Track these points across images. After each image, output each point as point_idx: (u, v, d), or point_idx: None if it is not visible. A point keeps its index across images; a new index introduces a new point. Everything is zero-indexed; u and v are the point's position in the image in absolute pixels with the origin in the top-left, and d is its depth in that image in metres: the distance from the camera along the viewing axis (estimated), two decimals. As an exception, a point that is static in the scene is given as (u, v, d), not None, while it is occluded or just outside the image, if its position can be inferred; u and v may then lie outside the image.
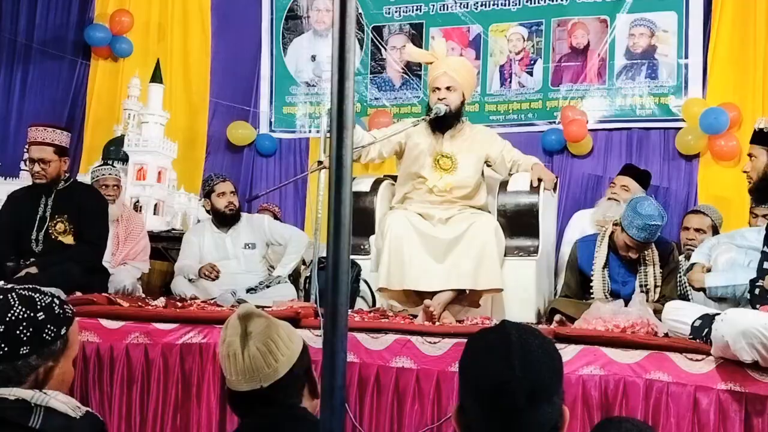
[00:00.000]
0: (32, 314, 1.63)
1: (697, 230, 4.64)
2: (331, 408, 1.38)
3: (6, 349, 1.60)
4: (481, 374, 1.40)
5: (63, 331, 1.67)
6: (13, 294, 1.65)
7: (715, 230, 4.63)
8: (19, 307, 1.63)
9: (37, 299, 1.66)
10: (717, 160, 6.15)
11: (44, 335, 1.63)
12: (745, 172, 3.27)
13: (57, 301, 1.69)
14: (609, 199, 4.82)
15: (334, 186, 1.41)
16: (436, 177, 4.15)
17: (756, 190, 3.25)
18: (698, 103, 6.18)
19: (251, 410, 1.90)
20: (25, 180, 5.75)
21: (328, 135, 5.58)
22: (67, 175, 4.48)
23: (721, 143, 6.05)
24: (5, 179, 6.27)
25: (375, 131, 4.43)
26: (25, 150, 6.40)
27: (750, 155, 3.24)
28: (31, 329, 1.62)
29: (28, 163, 4.47)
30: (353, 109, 1.44)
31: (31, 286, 1.71)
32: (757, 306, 3.15)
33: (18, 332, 1.60)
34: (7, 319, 1.61)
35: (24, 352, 1.61)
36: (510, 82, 6.81)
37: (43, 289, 1.72)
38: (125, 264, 5.10)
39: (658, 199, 5.94)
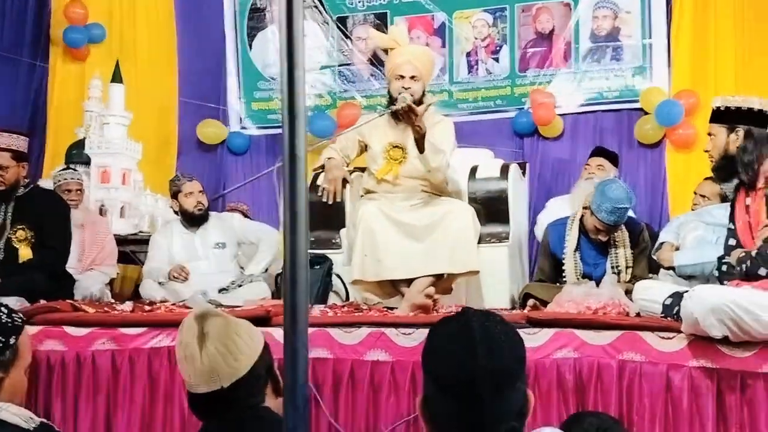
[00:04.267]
0: None
1: (703, 196, 4.63)
2: (294, 406, 1.35)
3: None
4: (444, 364, 1.38)
5: (12, 341, 1.62)
6: None
7: (724, 199, 4.53)
8: None
9: None
10: (677, 148, 6.19)
11: None
12: (706, 151, 3.28)
13: (4, 311, 1.64)
14: (587, 179, 4.79)
15: (288, 178, 1.37)
16: (386, 168, 4.11)
17: (718, 169, 3.27)
18: (656, 93, 6.21)
19: (213, 412, 1.86)
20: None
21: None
22: (26, 181, 4.38)
23: (680, 132, 6.12)
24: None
25: (338, 140, 4.42)
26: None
27: (710, 134, 3.25)
28: None
29: None
30: (305, 99, 1.40)
31: None
32: (725, 282, 3.16)
33: None
34: None
35: None
36: (477, 69, 6.79)
37: (-11, 299, 1.66)
38: (92, 269, 5.02)
39: (628, 181, 5.98)
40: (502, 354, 1.38)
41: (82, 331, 3.44)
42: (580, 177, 5.01)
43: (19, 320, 1.66)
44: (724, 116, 3.19)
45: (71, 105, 7.20)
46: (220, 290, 4.64)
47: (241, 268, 5.07)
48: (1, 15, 7.40)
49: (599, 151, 5.13)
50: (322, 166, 4.31)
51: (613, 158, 5.08)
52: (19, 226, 4.19)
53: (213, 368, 1.83)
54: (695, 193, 4.73)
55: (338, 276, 4.21)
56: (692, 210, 4.61)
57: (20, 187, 4.26)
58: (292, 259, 1.36)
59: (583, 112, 6.54)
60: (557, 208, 5.17)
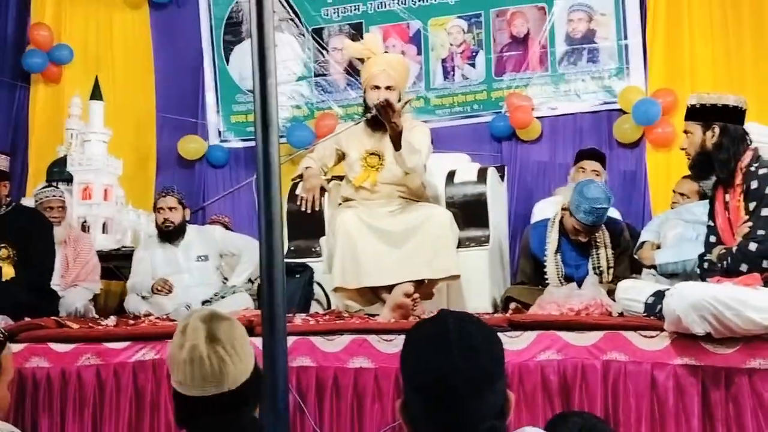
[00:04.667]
0: None
1: (682, 194, 4.64)
2: (275, 412, 1.35)
3: None
4: (421, 367, 1.38)
5: (-7, 357, 1.62)
6: None
7: (703, 196, 4.51)
8: None
9: None
10: (656, 147, 6.23)
11: None
12: (683, 149, 3.31)
13: (-15, 327, 1.63)
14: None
15: (262, 184, 1.39)
16: (363, 175, 4.12)
17: (695, 167, 3.29)
18: (634, 92, 6.26)
19: (207, 416, 1.84)
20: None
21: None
22: (8, 199, 4.38)
23: (658, 131, 6.16)
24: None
25: (315, 150, 4.43)
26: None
27: (686, 132, 3.27)
28: None
29: None
30: (277, 106, 1.42)
31: None
32: (707, 279, 3.19)
33: None
34: None
35: None
36: (453, 75, 6.82)
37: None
38: (76, 285, 5.00)
39: (608, 182, 6.01)
40: (479, 354, 1.38)
41: (66, 347, 3.45)
42: (570, 179, 4.92)
43: (1, 336, 1.66)
44: (699, 113, 3.21)
45: (52, 124, 7.22)
46: (204, 302, 4.62)
47: (224, 279, 5.06)
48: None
49: (592, 155, 4.98)
50: (300, 176, 4.31)
51: (604, 160, 5.01)
52: (1, 245, 4.18)
53: (222, 370, 1.82)
54: (674, 191, 4.76)
55: (319, 284, 4.21)
56: (672, 208, 4.63)
57: (2, 205, 4.25)
58: (269, 265, 1.37)
59: (561, 115, 6.57)
60: (540, 210, 5.13)
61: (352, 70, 6.87)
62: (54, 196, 5.22)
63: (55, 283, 4.68)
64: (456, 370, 1.34)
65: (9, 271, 4.14)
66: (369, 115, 4.09)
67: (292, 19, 7.15)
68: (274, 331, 1.40)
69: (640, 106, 6.12)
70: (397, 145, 3.89)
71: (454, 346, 1.37)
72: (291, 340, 3.29)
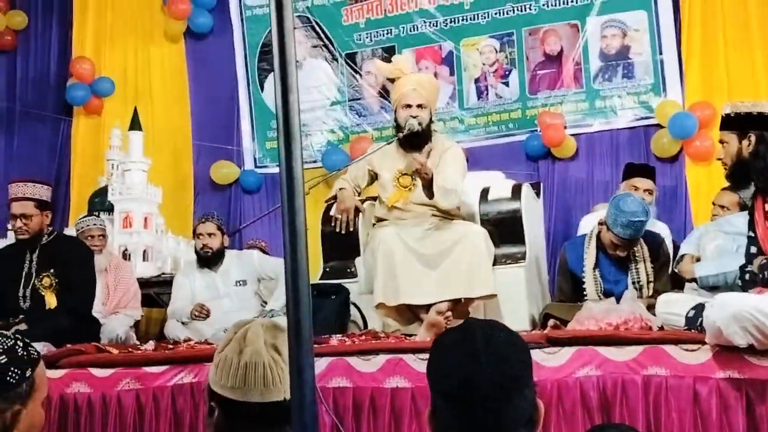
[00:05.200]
0: None
1: (722, 207, 4.55)
2: (303, 425, 1.34)
3: None
4: (448, 372, 1.37)
5: (28, 373, 1.64)
6: None
7: (744, 208, 4.40)
8: None
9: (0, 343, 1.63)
10: (695, 161, 6.14)
11: (8, 378, 1.61)
12: (719, 159, 3.26)
13: (20, 344, 1.66)
14: None
15: (286, 198, 1.38)
16: (396, 195, 4.13)
17: (732, 176, 3.23)
18: (671, 105, 6.20)
19: (258, 426, 1.82)
20: (11, 240, 5.72)
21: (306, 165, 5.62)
22: (50, 229, 4.46)
23: (696, 144, 6.07)
24: (-8, 240, 6.27)
25: (348, 171, 4.46)
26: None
27: (722, 142, 3.22)
28: None
29: (10, 219, 4.43)
30: (299, 121, 1.42)
31: None
32: (749, 291, 3.12)
33: None
34: None
35: None
36: (487, 94, 6.83)
37: (5, 332, 1.69)
38: (117, 313, 5.06)
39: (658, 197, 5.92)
40: (506, 361, 1.36)
41: (106, 372, 3.49)
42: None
43: (35, 353, 1.69)
44: (734, 122, 3.16)
45: (93, 155, 7.40)
46: (243, 327, 4.64)
47: (263, 303, 5.09)
48: (26, 72, 7.68)
49: (643, 171, 4.75)
50: (334, 197, 4.33)
51: (655, 176, 4.86)
52: (44, 273, 4.25)
53: (281, 378, 1.81)
54: (714, 203, 4.68)
55: (355, 305, 4.20)
56: (712, 220, 4.55)
57: (44, 235, 4.33)
58: (294, 276, 1.37)
59: (597, 131, 6.53)
60: (586, 224, 4.99)
61: (386, 93, 6.91)
62: (95, 225, 5.31)
63: (97, 310, 4.75)
64: (483, 376, 1.33)
65: (51, 299, 4.21)
66: (401, 135, 4.10)
67: (325, 45, 7.23)
68: (300, 342, 1.38)
69: (677, 119, 6.06)
70: (429, 194, 3.91)
71: (482, 352, 1.36)
72: (327, 360, 3.29)
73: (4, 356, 1.62)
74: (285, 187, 1.38)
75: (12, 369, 1.62)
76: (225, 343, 1.88)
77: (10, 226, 6.28)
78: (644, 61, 6.42)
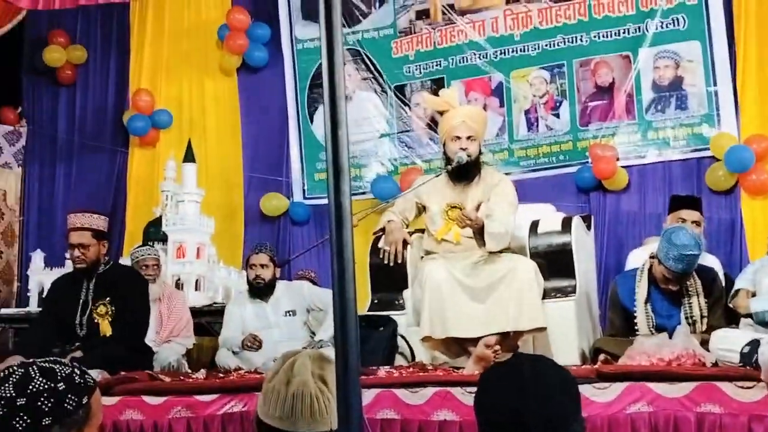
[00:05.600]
0: (53, 385, 1.65)
1: None
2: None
3: (29, 421, 1.62)
4: (496, 406, 1.38)
5: (84, 400, 1.69)
6: (34, 367, 1.68)
7: None
8: (40, 379, 1.65)
9: (57, 370, 1.68)
10: (751, 194, 6.02)
11: (66, 405, 1.65)
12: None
13: (77, 371, 1.71)
14: None
15: (335, 231, 1.41)
16: (445, 228, 4.13)
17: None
18: (726, 138, 6.11)
19: None
20: (68, 268, 5.87)
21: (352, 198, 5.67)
22: (106, 258, 4.57)
23: (753, 177, 5.95)
24: (51, 269, 6.42)
25: (396, 204, 4.48)
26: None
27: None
28: (52, 400, 1.64)
29: (68, 249, 4.55)
30: (348, 155, 1.45)
31: (51, 359, 1.74)
32: (806, 327, 3.05)
33: (39, 403, 1.63)
34: (28, 391, 1.63)
35: (46, 423, 1.63)
36: (537, 126, 6.81)
37: (62, 360, 1.75)
38: (169, 341, 5.13)
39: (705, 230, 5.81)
40: (554, 395, 1.37)
41: (158, 400, 3.56)
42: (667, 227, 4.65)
43: (91, 381, 1.73)
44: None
45: (147, 186, 7.58)
46: (292, 357, 4.67)
47: (312, 334, 5.12)
48: (84, 105, 7.93)
49: (691, 203, 4.67)
50: (383, 229, 4.36)
51: (702, 208, 4.78)
52: (100, 302, 4.34)
53: (328, 409, 1.83)
54: None
55: (403, 337, 4.20)
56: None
57: (101, 264, 4.44)
58: (342, 311, 1.39)
59: (649, 163, 6.46)
60: (634, 260, 4.91)
61: (434, 124, 6.93)
62: (149, 254, 5.43)
63: (150, 338, 4.83)
64: (531, 411, 1.34)
65: (106, 328, 4.29)
66: (450, 168, 4.12)
67: (374, 78, 7.31)
68: (347, 376, 1.40)
69: (733, 153, 5.96)
70: (481, 243, 3.91)
71: (529, 387, 1.36)
72: (375, 392, 3.30)
73: (62, 383, 1.66)
74: (333, 220, 1.41)
75: (69, 396, 1.66)
76: (273, 374, 1.91)
77: (68, 256, 6.49)
78: (698, 92, 6.35)
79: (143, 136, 7.65)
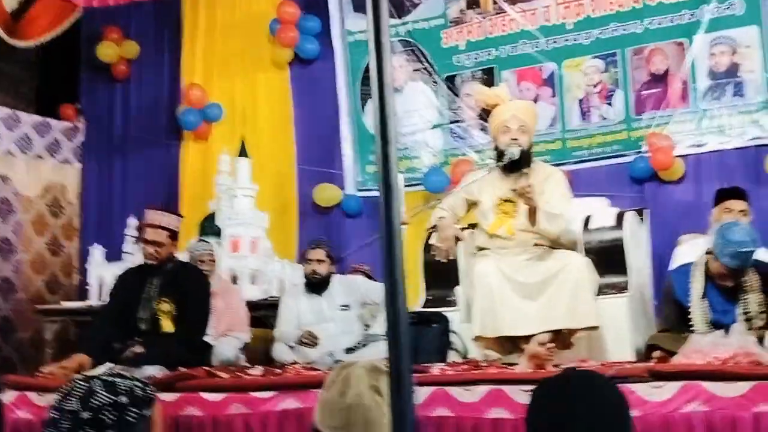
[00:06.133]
0: (115, 398, 1.73)
1: None
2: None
3: None
4: (545, 424, 1.40)
5: (145, 413, 1.76)
6: (96, 380, 1.76)
7: None
8: (103, 393, 1.73)
9: (119, 384, 1.76)
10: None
11: (128, 418, 1.73)
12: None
13: (139, 384, 1.79)
14: None
15: (385, 249, 1.44)
16: (497, 223, 4.13)
17: None
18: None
19: None
20: (127, 263, 6.02)
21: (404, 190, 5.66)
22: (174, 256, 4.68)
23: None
24: (110, 263, 6.58)
25: (445, 200, 4.49)
26: (128, 233, 6.80)
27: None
28: (115, 413, 1.72)
29: (141, 244, 4.67)
30: (397, 173, 1.47)
31: (114, 372, 1.82)
32: None
33: (102, 416, 1.71)
34: (92, 405, 1.71)
35: None
36: (590, 115, 6.73)
37: (124, 373, 1.83)
38: (226, 335, 5.23)
39: (759, 221, 5.70)
40: (602, 413, 1.38)
41: (217, 397, 3.64)
42: (714, 220, 4.67)
43: (152, 393, 1.81)
44: None
45: (200, 179, 7.68)
46: (347, 350, 4.75)
47: (366, 326, 5.18)
48: (139, 99, 8.09)
49: (737, 193, 4.71)
50: (435, 226, 4.38)
51: (748, 199, 4.75)
52: (164, 299, 4.46)
53: (382, 420, 1.87)
54: None
55: (456, 333, 4.23)
56: None
57: (169, 262, 4.55)
58: (394, 324, 1.41)
59: (706, 152, 6.34)
60: (688, 251, 4.90)
61: (486, 114, 6.90)
62: (205, 250, 5.54)
63: (207, 333, 4.94)
64: (577, 425, 1.35)
65: (167, 325, 4.41)
66: (501, 164, 4.12)
67: (425, 68, 7.30)
68: (401, 389, 1.42)
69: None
70: (533, 221, 3.91)
71: (577, 404, 1.38)
72: (428, 390, 3.34)
73: (123, 397, 1.75)
74: (385, 241, 1.44)
75: (131, 409, 1.74)
76: (329, 385, 1.96)
77: (127, 249, 6.65)
78: (755, 79, 6.19)
79: (195, 129, 7.77)
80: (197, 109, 7.73)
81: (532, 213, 3.93)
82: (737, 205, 4.53)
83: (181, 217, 4.76)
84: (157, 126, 8.04)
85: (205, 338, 4.75)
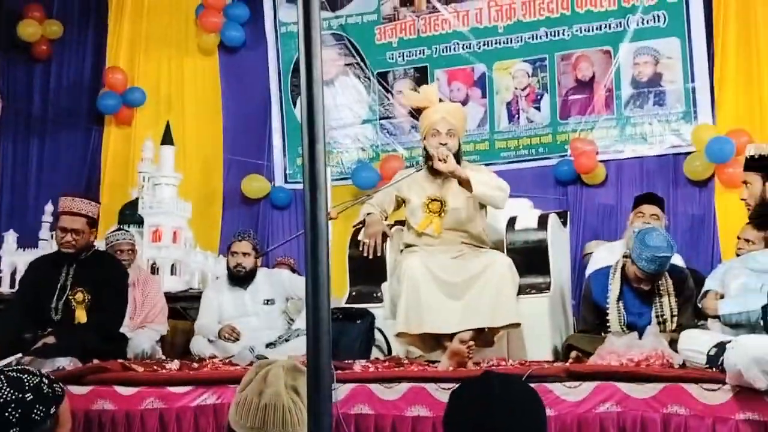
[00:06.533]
0: (20, 395, 1.66)
1: (747, 240, 4.53)
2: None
3: None
4: (464, 426, 1.40)
5: (52, 410, 1.70)
6: (1, 377, 1.68)
7: None
8: (8, 389, 1.66)
9: (25, 380, 1.69)
10: (726, 187, 6.09)
11: (33, 416, 1.66)
12: (743, 199, 3.25)
13: (46, 381, 1.72)
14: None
15: (310, 244, 1.42)
16: (426, 221, 4.16)
17: (756, 217, 3.23)
18: (707, 129, 6.16)
19: None
20: (43, 250, 5.83)
21: (332, 185, 5.67)
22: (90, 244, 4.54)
23: (729, 171, 6.00)
24: (24, 250, 6.36)
25: (375, 197, 4.49)
26: (45, 220, 6.58)
27: (745, 182, 3.22)
28: (19, 411, 1.65)
29: (57, 232, 4.50)
30: (325, 171, 1.46)
31: (20, 368, 1.74)
32: (772, 331, 3.10)
33: (7, 414, 1.63)
34: None
35: None
36: (518, 118, 6.84)
37: (31, 369, 1.75)
38: (143, 327, 5.11)
39: (676, 223, 5.89)
40: (520, 417, 1.39)
41: (131, 390, 3.54)
42: (630, 224, 4.88)
43: (60, 390, 1.74)
44: (758, 164, 3.16)
45: (122, 165, 7.51)
46: (268, 345, 4.68)
47: (290, 321, 5.13)
48: (59, 81, 7.82)
49: (652, 198, 4.92)
50: (362, 222, 4.37)
51: (663, 205, 4.96)
52: (78, 288, 4.31)
53: (300, 421, 1.84)
54: (739, 237, 4.65)
55: (380, 330, 4.22)
56: (737, 255, 4.52)
57: (84, 251, 4.40)
58: (315, 322, 1.39)
59: (627, 158, 6.51)
60: (600, 255, 5.06)
61: (417, 112, 6.92)
62: (124, 239, 5.39)
63: (124, 324, 4.81)
64: (496, 430, 1.36)
65: (81, 315, 4.26)
66: (430, 163, 4.14)
67: (357, 63, 7.29)
68: (319, 388, 1.40)
69: (714, 144, 5.98)
70: (469, 188, 3.94)
71: (496, 407, 1.38)
72: (350, 387, 3.33)
73: (29, 394, 1.67)
74: (309, 237, 1.42)
75: (37, 406, 1.67)
76: (246, 383, 1.92)
77: (43, 236, 6.43)
78: (676, 89, 6.41)
79: (116, 114, 7.57)
80: (118, 93, 7.53)
81: (466, 184, 3.95)
82: (649, 209, 4.72)
83: (99, 203, 4.61)
84: (79, 109, 7.82)
85: (122, 330, 4.62)
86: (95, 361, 3.86)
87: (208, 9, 7.55)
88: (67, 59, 7.95)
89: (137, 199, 6.53)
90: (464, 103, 6.65)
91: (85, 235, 4.34)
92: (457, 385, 1.53)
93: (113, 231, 5.61)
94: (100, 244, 5.53)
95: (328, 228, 1.46)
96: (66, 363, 3.87)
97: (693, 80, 6.34)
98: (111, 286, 4.39)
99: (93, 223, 4.40)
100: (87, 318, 4.23)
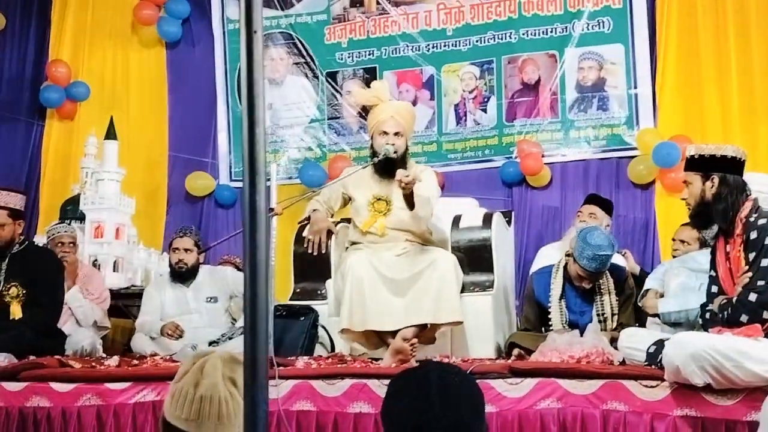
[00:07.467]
0: None
1: (682, 242, 4.63)
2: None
3: None
4: (402, 414, 1.40)
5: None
6: None
7: (704, 244, 4.47)
8: None
9: None
10: (668, 191, 6.21)
11: None
12: (683, 199, 3.31)
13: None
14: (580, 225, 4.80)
15: (248, 233, 1.39)
16: (370, 220, 4.16)
17: (696, 216, 3.29)
18: (652, 133, 6.27)
19: None
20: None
21: (278, 183, 5.64)
22: (21, 238, 4.42)
23: (672, 176, 6.12)
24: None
25: (321, 193, 4.47)
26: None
27: (685, 182, 3.29)
28: None
29: None
30: (265, 156, 1.43)
31: None
32: (709, 330, 3.17)
33: None
34: None
35: None
36: (465, 120, 6.88)
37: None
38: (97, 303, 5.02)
39: (617, 227, 5.98)
40: (459, 405, 1.39)
41: (67, 387, 3.47)
42: (572, 224, 5.00)
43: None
44: (698, 164, 3.23)
45: (65, 160, 7.35)
46: (210, 343, 4.62)
47: (233, 320, 5.08)
48: (0, 73, 7.60)
49: (592, 199, 5.11)
50: (307, 219, 4.35)
51: (608, 206, 5.06)
52: (12, 283, 4.21)
53: (236, 413, 1.80)
54: (674, 239, 4.77)
55: (324, 327, 4.21)
56: (673, 256, 4.63)
57: (15, 244, 4.30)
58: (252, 314, 1.37)
59: (571, 161, 6.60)
60: (543, 255, 5.14)
61: (365, 113, 6.92)
62: (65, 231, 5.29)
63: (63, 321, 4.71)
64: (435, 420, 1.35)
65: (16, 310, 4.17)
66: (376, 160, 4.13)
67: (306, 63, 7.26)
68: (255, 378, 1.39)
69: (662, 148, 6.05)
70: (410, 205, 3.95)
71: (435, 395, 1.38)
72: (292, 383, 3.30)
73: None
74: (248, 224, 1.39)
75: None
76: (182, 374, 1.87)
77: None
78: (619, 95, 6.51)
79: (58, 108, 7.41)
80: (61, 87, 7.37)
81: (409, 198, 3.94)
82: (587, 209, 4.89)
83: (24, 195, 4.50)
84: (20, 103, 7.60)
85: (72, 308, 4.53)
86: (31, 358, 3.76)
87: (144, 1, 7.45)
88: (9, 52, 7.73)
89: (79, 195, 6.40)
90: (413, 104, 6.65)
91: (8, 227, 4.24)
92: (396, 374, 1.52)
93: (54, 224, 5.50)
94: (41, 239, 5.43)
95: (269, 218, 1.44)
96: (1, 359, 3.77)
97: (635, 86, 6.44)
98: (46, 281, 4.29)
99: (17, 214, 4.29)
100: (22, 313, 4.13)
